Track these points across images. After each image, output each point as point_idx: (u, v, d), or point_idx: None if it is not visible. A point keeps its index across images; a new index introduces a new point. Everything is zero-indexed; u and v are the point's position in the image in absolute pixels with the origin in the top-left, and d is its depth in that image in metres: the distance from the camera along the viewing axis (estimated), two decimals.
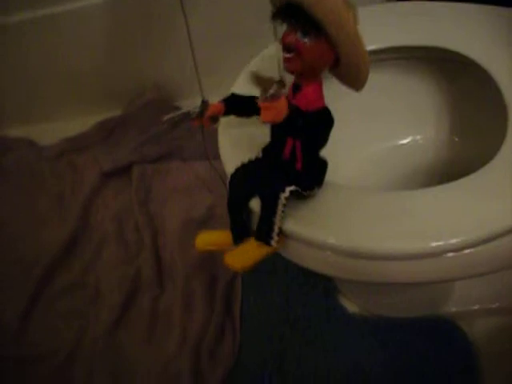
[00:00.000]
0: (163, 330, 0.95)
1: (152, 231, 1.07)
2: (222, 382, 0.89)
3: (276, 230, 0.61)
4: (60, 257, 1.06)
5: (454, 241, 0.58)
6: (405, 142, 0.90)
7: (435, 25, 0.80)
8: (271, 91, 0.53)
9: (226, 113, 0.63)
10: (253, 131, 0.67)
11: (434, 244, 0.58)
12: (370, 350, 0.89)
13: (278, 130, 0.61)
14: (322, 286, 0.94)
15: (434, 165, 0.88)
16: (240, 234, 0.67)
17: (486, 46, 0.76)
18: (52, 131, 1.28)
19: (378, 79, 0.70)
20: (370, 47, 0.59)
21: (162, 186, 1.15)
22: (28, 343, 0.97)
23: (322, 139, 0.59)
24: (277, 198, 0.59)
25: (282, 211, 0.60)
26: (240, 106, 0.64)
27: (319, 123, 0.58)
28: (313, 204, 0.62)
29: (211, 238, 0.72)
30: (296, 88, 0.58)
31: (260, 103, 0.53)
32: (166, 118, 0.63)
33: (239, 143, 0.69)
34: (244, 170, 0.63)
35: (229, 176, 0.65)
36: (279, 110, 0.53)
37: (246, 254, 0.63)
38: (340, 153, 0.62)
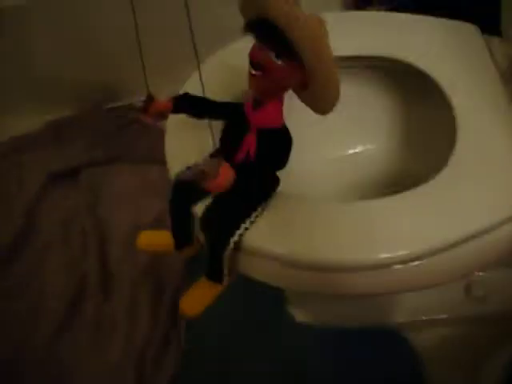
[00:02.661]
0: (107, 337, 0.93)
1: (99, 236, 1.05)
2: None
3: (227, 267, 0.61)
4: (2, 260, 1.02)
5: (401, 253, 0.58)
6: (357, 151, 0.90)
7: (388, 35, 0.80)
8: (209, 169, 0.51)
9: (175, 111, 0.62)
10: (202, 134, 0.64)
11: (381, 256, 0.58)
12: (316, 359, 0.89)
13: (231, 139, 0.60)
14: (270, 295, 0.93)
15: (385, 176, 0.88)
16: (182, 239, 0.66)
17: (438, 59, 0.77)
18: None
19: None
20: None
21: (110, 190, 1.12)
22: None
23: (280, 160, 0.59)
24: (227, 242, 0.58)
25: (232, 249, 0.59)
26: (191, 107, 0.62)
27: (277, 143, 0.58)
28: (261, 215, 0.61)
29: (153, 238, 0.71)
30: (257, 103, 0.56)
31: (206, 187, 0.52)
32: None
33: (187, 146, 0.67)
34: None
35: (173, 177, 0.63)
36: (226, 180, 0.52)
37: (200, 298, 0.64)
38: (291, 160, 0.61)
